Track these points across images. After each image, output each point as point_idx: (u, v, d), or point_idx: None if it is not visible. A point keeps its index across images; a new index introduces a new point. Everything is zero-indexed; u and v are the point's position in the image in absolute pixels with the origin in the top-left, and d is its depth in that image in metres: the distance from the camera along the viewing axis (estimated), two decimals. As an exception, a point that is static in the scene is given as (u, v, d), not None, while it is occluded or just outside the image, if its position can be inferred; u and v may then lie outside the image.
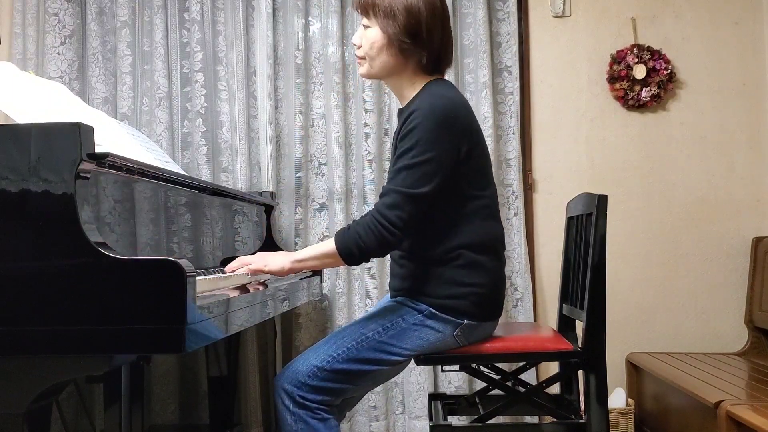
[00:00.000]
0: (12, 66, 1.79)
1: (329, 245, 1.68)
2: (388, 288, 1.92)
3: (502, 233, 1.83)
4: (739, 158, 2.95)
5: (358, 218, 1.69)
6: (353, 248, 1.65)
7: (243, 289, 1.70)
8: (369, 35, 1.75)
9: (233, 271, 1.75)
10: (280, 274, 1.74)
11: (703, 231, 2.94)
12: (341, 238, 1.67)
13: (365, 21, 1.75)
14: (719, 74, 2.96)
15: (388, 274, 1.93)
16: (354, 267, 2.83)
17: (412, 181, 1.64)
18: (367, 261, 1.69)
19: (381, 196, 1.68)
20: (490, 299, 1.76)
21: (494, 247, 1.77)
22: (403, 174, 1.65)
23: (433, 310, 1.72)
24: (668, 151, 2.95)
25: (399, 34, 1.70)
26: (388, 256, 1.89)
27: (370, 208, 1.73)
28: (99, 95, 2.83)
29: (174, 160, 2.79)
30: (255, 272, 1.76)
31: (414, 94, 1.76)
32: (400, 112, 1.81)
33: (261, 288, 1.80)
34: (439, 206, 1.71)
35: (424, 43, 1.71)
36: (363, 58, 1.78)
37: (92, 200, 1.36)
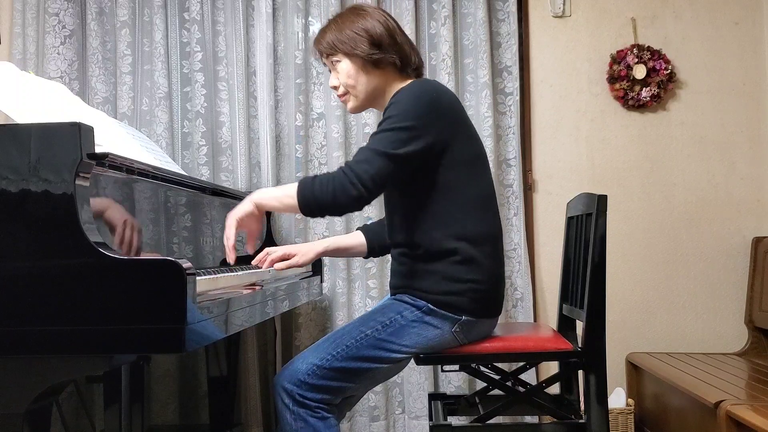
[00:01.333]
0: (12, 66, 1.79)
1: (292, 187, 1.66)
2: (388, 288, 1.92)
3: (499, 226, 1.82)
4: (739, 158, 2.95)
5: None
6: (309, 194, 1.62)
7: (243, 289, 1.70)
8: (342, 68, 1.80)
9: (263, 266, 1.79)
10: (245, 212, 1.66)
11: (703, 231, 2.94)
12: (303, 182, 1.65)
13: (333, 59, 1.81)
14: (719, 74, 2.96)
15: (389, 274, 1.93)
16: (354, 266, 2.83)
17: (387, 142, 1.64)
18: (323, 214, 1.65)
19: (354, 157, 1.67)
20: (489, 296, 1.76)
21: (492, 240, 1.77)
22: (379, 136, 1.66)
23: (432, 306, 1.72)
24: (668, 151, 2.95)
25: (367, 50, 1.75)
26: (389, 255, 1.89)
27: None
28: (99, 95, 2.83)
29: (174, 160, 2.79)
30: (235, 226, 1.69)
31: None
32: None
33: (260, 288, 1.80)
34: (432, 196, 1.72)
35: (389, 47, 1.77)
36: (345, 93, 1.83)
37: (92, 200, 1.36)
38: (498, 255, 1.80)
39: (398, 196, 1.79)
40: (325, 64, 1.86)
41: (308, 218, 2.86)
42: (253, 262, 1.85)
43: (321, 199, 1.62)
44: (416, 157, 1.66)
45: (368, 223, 2.14)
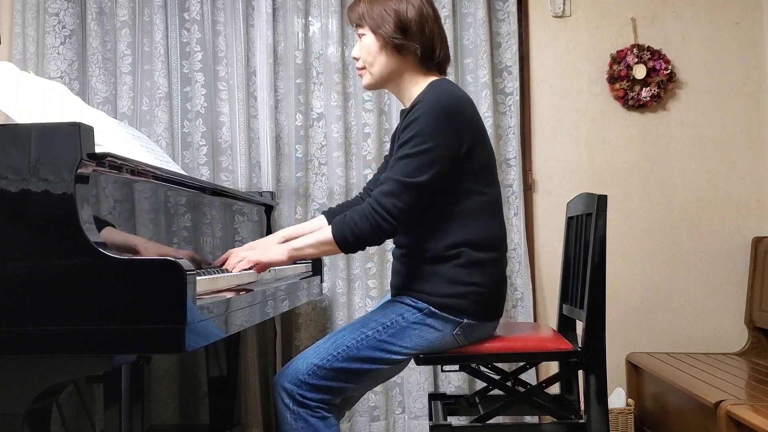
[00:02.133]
0: (12, 66, 1.79)
1: (326, 233, 1.70)
2: (389, 287, 1.93)
3: (504, 232, 1.82)
4: (739, 158, 2.95)
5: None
6: (348, 235, 1.67)
7: (243, 289, 1.70)
8: (365, 42, 1.80)
9: (233, 270, 1.76)
10: (280, 263, 1.75)
11: (703, 231, 2.94)
12: (337, 225, 1.69)
13: (360, 31, 1.80)
14: (719, 74, 2.96)
15: (389, 274, 1.94)
16: (354, 266, 2.83)
17: (411, 169, 1.65)
18: (363, 248, 1.72)
19: (380, 184, 1.70)
20: (491, 300, 1.76)
21: (496, 246, 1.77)
22: (403, 162, 1.66)
23: (433, 309, 1.72)
24: (668, 151, 2.95)
25: (390, 32, 1.74)
26: (390, 255, 1.89)
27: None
28: (99, 95, 2.83)
29: (174, 160, 2.79)
30: (258, 264, 1.75)
31: (418, 93, 1.76)
32: (403, 111, 1.82)
33: (259, 288, 1.80)
34: (442, 202, 1.72)
35: (415, 36, 1.75)
36: (363, 68, 1.82)
37: (92, 200, 1.36)
38: (502, 260, 1.80)
39: None
40: (352, 26, 1.86)
41: (308, 218, 2.87)
42: (224, 266, 1.83)
43: (362, 239, 1.68)
44: (440, 176, 1.68)
45: (333, 206, 2.15)
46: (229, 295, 1.52)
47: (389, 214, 1.65)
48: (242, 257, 1.78)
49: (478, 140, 1.73)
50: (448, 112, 1.67)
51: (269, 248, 1.79)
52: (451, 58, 2.78)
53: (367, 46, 1.79)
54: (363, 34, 1.79)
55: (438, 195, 1.71)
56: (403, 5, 1.75)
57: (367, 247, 1.79)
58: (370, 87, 1.85)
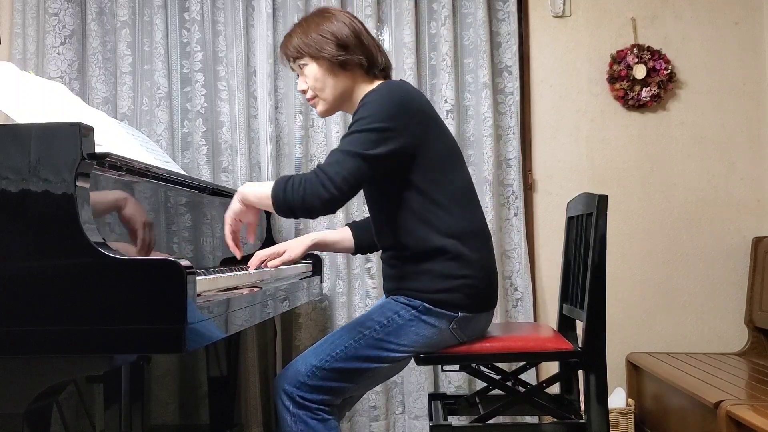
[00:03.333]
0: (12, 66, 1.79)
1: (268, 185, 1.67)
2: (384, 290, 1.93)
3: (484, 220, 1.83)
4: (739, 158, 2.95)
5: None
6: (281, 194, 1.62)
7: (243, 289, 1.70)
8: (309, 72, 1.81)
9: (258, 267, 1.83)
10: (235, 211, 1.71)
11: (703, 231, 2.94)
12: (279, 181, 1.65)
13: (300, 62, 1.81)
14: (719, 74, 2.96)
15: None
16: (354, 266, 2.83)
17: (357, 143, 1.64)
18: (295, 215, 1.64)
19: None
20: (483, 290, 1.77)
21: (478, 234, 1.78)
22: (349, 138, 1.66)
23: (428, 305, 1.72)
24: (668, 151, 2.95)
25: (333, 52, 1.76)
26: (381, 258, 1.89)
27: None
28: (99, 95, 2.83)
29: (174, 160, 2.79)
30: (241, 214, 1.74)
31: None
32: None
33: (260, 288, 1.80)
34: (410, 195, 1.72)
35: (356, 49, 1.78)
36: (314, 97, 1.83)
37: (92, 200, 1.36)
38: (486, 248, 1.80)
39: (379, 199, 1.80)
40: (293, 69, 1.87)
41: (308, 219, 2.87)
42: (248, 266, 1.88)
43: (291, 200, 1.62)
44: (388, 157, 1.66)
45: (357, 220, 2.16)
46: (229, 295, 1.52)
47: (330, 181, 1.59)
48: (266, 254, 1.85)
49: (432, 129, 1.74)
50: (396, 98, 1.68)
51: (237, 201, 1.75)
52: (451, 58, 2.81)
53: (312, 74, 1.80)
54: (305, 65, 1.80)
55: (406, 190, 1.72)
56: (335, 25, 1.78)
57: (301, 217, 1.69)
58: (326, 113, 1.86)
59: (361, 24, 1.84)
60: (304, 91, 1.85)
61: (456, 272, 1.72)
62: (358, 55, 1.78)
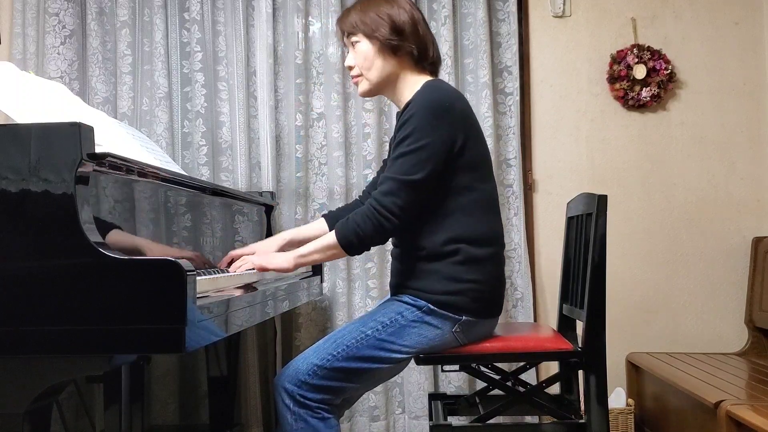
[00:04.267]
0: (12, 66, 1.79)
1: (330, 237, 1.72)
2: (389, 288, 1.93)
3: (501, 229, 1.84)
4: (739, 158, 2.95)
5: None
6: (353, 238, 1.69)
7: (243, 289, 1.70)
8: (360, 49, 1.82)
9: (236, 271, 1.78)
10: (285, 271, 1.78)
11: (703, 231, 2.94)
12: (341, 229, 1.71)
13: (353, 39, 1.83)
14: (719, 74, 2.96)
15: (389, 273, 1.94)
16: (354, 266, 2.83)
17: (408, 167, 1.67)
18: (368, 249, 1.75)
19: (379, 184, 1.72)
20: (490, 297, 1.77)
21: (493, 242, 1.78)
22: (400, 161, 1.69)
23: (432, 307, 1.72)
24: (668, 151, 2.95)
25: (387, 35, 1.77)
26: (390, 255, 1.90)
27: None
28: (99, 95, 2.83)
29: (174, 160, 2.79)
30: (262, 269, 1.80)
31: (412, 94, 1.77)
32: (399, 114, 1.83)
33: (259, 288, 1.80)
34: (437, 198, 1.73)
35: (410, 37, 1.79)
36: (359, 75, 1.85)
37: (92, 200, 1.36)
38: (499, 257, 1.80)
39: None
40: (344, 44, 1.88)
41: (308, 218, 2.87)
42: (231, 269, 1.89)
43: (366, 240, 1.70)
44: (438, 173, 1.70)
45: (333, 210, 2.17)
46: (229, 295, 1.52)
47: (390, 213, 1.67)
48: (247, 260, 1.82)
49: (471, 135, 1.75)
50: (440, 108, 1.70)
51: (275, 255, 1.82)
52: (451, 58, 2.81)
53: (363, 52, 1.81)
54: (357, 42, 1.82)
55: (436, 193, 1.72)
56: (394, 9, 1.79)
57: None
58: (367, 93, 1.87)
59: (420, 14, 1.85)
60: (350, 68, 1.86)
61: (464, 276, 1.72)
62: (410, 43, 1.79)
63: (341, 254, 1.73)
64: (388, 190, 1.68)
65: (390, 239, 1.83)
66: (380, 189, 1.69)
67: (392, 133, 2.19)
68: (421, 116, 1.68)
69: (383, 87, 1.85)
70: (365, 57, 1.81)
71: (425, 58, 1.83)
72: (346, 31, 1.84)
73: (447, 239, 1.72)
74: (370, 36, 1.79)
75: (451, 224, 1.73)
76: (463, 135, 1.72)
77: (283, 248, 2.07)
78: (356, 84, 1.87)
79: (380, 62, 1.80)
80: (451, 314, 1.73)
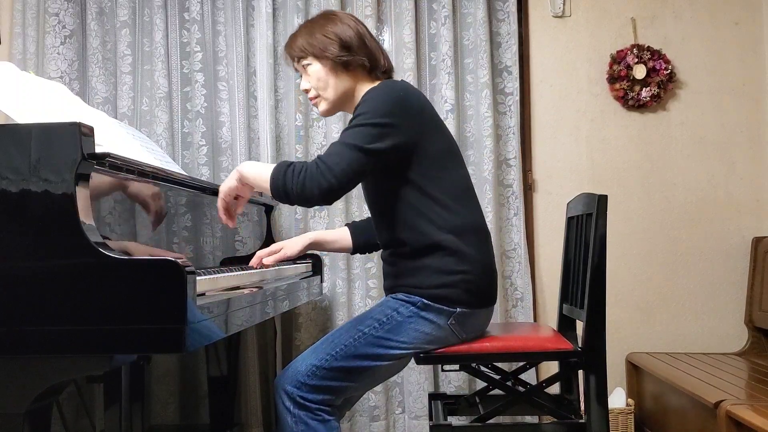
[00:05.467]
0: (12, 66, 1.79)
1: (269, 171, 1.70)
2: (385, 290, 1.93)
3: (482, 217, 1.85)
4: (739, 158, 2.95)
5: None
6: (280, 179, 1.66)
7: (243, 289, 1.70)
8: (312, 71, 1.84)
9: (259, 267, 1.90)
10: (231, 187, 1.78)
11: (703, 231, 2.94)
12: (279, 165, 1.69)
13: (304, 62, 1.85)
14: (719, 74, 2.96)
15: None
16: (355, 266, 2.83)
17: (358, 137, 1.67)
18: (291, 202, 1.68)
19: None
20: (481, 286, 1.77)
21: (475, 231, 1.79)
22: (349, 131, 1.69)
23: (426, 301, 1.73)
24: (668, 151, 2.95)
25: (337, 52, 1.80)
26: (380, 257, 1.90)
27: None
28: (99, 95, 2.83)
29: (174, 160, 2.79)
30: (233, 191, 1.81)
31: None
32: None
33: (260, 288, 1.80)
34: (411, 194, 1.74)
35: (359, 50, 1.82)
36: (316, 96, 1.87)
37: (92, 200, 1.36)
38: (484, 244, 1.81)
39: (377, 195, 1.82)
40: (296, 69, 1.90)
41: (308, 218, 2.87)
42: (250, 265, 1.92)
43: (290, 186, 1.65)
44: (387, 152, 1.69)
45: (357, 220, 2.17)
46: (229, 295, 1.52)
47: (329, 171, 1.63)
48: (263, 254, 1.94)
49: (430, 127, 1.77)
50: (396, 95, 1.71)
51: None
52: (451, 58, 2.81)
53: (316, 74, 1.83)
54: (308, 65, 1.84)
55: (404, 187, 1.73)
56: (339, 27, 1.82)
57: (298, 206, 1.76)
58: (328, 112, 1.89)
59: (365, 27, 1.88)
60: (306, 91, 1.88)
61: (454, 267, 1.73)
62: (360, 56, 1.81)
63: (268, 192, 1.70)
64: (333, 151, 1.66)
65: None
66: (325, 151, 1.69)
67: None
68: (377, 100, 1.70)
69: (342, 103, 1.87)
70: (319, 78, 1.83)
71: (377, 68, 1.85)
72: (296, 57, 1.87)
73: (427, 232, 1.73)
74: (320, 57, 1.81)
75: (429, 217, 1.74)
76: (420, 126, 1.73)
77: (308, 247, 2.12)
78: (315, 105, 1.89)
79: (334, 80, 1.83)
80: (445, 307, 1.73)
